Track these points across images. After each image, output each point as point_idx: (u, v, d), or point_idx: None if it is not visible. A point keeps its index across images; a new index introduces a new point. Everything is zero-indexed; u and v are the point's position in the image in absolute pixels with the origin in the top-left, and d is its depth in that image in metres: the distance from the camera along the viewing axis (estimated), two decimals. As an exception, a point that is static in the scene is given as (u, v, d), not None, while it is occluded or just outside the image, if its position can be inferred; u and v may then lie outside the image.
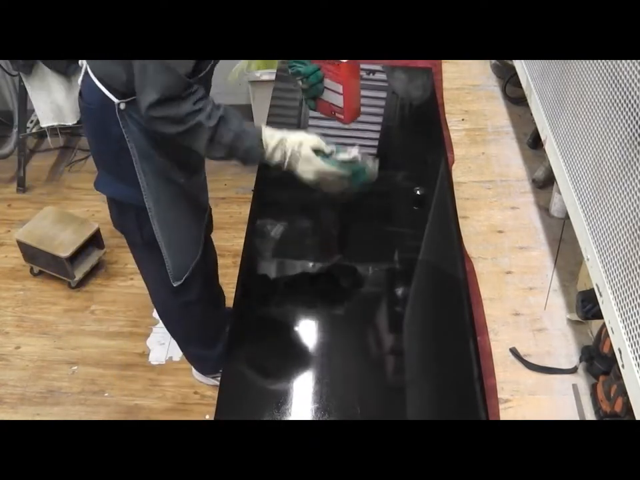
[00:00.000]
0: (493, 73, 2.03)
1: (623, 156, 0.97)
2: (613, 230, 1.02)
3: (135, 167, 1.41)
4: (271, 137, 1.27)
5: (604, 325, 1.13)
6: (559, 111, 1.22)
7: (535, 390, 1.18)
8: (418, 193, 1.50)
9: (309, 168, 1.27)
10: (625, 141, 0.96)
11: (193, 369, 2.11)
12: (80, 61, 1.44)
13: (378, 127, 1.86)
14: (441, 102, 1.90)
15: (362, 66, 1.61)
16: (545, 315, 1.31)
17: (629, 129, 0.95)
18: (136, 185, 1.44)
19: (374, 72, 2.02)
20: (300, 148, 1.26)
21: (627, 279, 0.97)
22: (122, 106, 1.33)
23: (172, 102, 1.21)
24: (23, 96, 2.77)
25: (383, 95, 1.94)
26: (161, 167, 1.45)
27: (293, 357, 1.22)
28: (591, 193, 1.09)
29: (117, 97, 1.32)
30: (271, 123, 1.81)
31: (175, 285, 1.65)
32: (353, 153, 1.28)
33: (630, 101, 0.94)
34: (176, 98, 1.21)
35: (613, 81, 0.99)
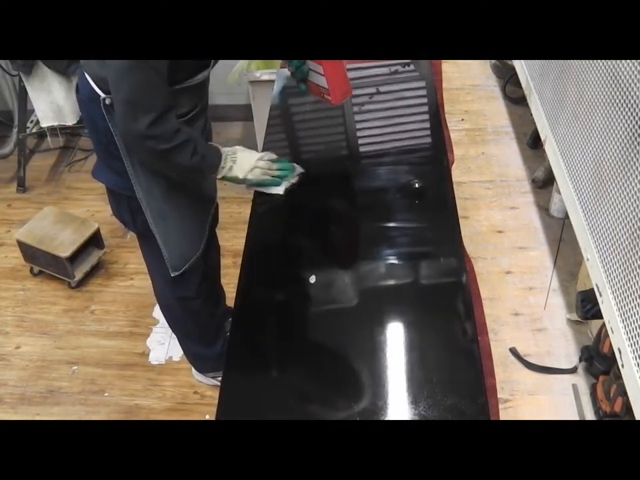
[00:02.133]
0: (493, 73, 2.03)
1: (622, 156, 0.97)
2: (613, 230, 1.02)
3: (123, 158, 1.44)
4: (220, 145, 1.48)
5: (604, 325, 1.13)
6: (558, 111, 1.22)
7: (535, 390, 1.18)
8: (416, 185, 1.49)
9: (245, 158, 1.49)
10: (625, 140, 0.96)
11: (193, 369, 2.11)
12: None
13: (378, 127, 1.85)
14: (440, 102, 1.90)
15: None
16: (545, 314, 1.31)
17: (628, 129, 0.95)
18: (127, 175, 1.47)
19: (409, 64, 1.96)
20: (236, 149, 1.50)
21: (626, 278, 0.97)
22: (107, 101, 1.36)
23: (164, 118, 1.29)
24: (22, 96, 2.77)
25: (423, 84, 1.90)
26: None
27: (294, 357, 1.22)
28: (590, 193, 1.09)
29: (103, 92, 1.36)
30: (270, 122, 1.81)
31: (173, 276, 1.65)
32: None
33: (630, 101, 0.94)
34: (168, 113, 1.30)
35: (613, 81, 0.99)
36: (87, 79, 1.40)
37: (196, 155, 1.38)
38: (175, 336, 2.25)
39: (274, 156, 1.53)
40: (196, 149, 1.38)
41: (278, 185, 1.51)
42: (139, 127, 1.27)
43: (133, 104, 1.27)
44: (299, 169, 1.54)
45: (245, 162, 1.48)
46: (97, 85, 1.37)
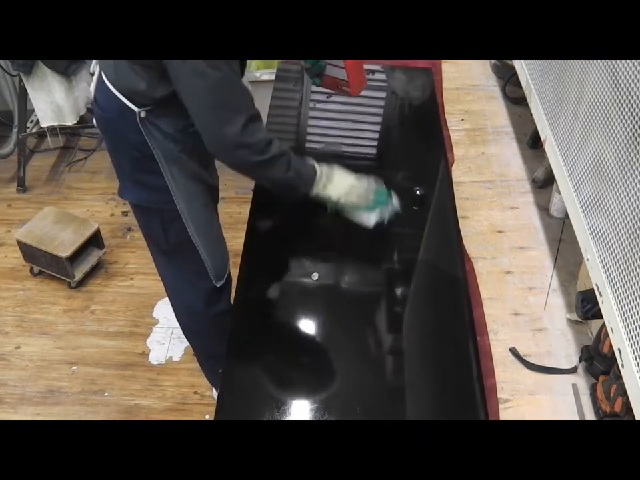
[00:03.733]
0: (493, 73, 2.03)
1: (622, 156, 0.97)
2: (613, 230, 1.02)
3: (163, 171, 1.40)
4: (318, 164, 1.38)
5: (604, 325, 1.13)
6: (558, 111, 1.22)
7: (535, 390, 1.18)
8: (418, 192, 1.49)
9: (343, 178, 1.39)
10: (625, 140, 0.96)
11: (214, 390, 2.07)
12: (92, 68, 1.44)
13: (377, 127, 1.86)
14: (440, 102, 1.90)
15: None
16: (545, 314, 1.31)
17: (628, 129, 0.95)
18: (159, 188, 1.42)
19: (374, 72, 2.02)
20: (334, 168, 1.40)
21: (626, 278, 0.97)
22: (142, 114, 1.32)
23: (255, 124, 1.23)
24: (22, 96, 2.76)
25: (383, 95, 1.94)
26: (191, 169, 1.44)
27: (293, 357, 1.22)
28: (590, 193, 1.09)
29: (137, 106, 1.32)
30: (270, 122, 1.81)
31: (217, 285, 1.60)
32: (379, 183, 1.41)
33: (630, 101, 0.94)
34: (257, 120, 1.24)
35: (613, 81, 0.99)
36: (113, 94, 1.34)
37: (290, 170, 1.31)
38: (174, 336, 2.25)
39: (373, 182, 1.41)
40: (290, 163, 1.31)
41: (370, 212, 1.39)
42: (229, 135, 1.21)
43: (219, 108, 1.20)
44: (396, 205, 1.42)
45: (342, 182, 1.38)
46: (130, 99, 1.32)
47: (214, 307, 1.67)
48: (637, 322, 0.92)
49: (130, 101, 1.33)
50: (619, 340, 0.97)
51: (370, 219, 1.39)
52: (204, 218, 1.51)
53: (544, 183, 1.60)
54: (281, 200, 1.43)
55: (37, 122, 2.82)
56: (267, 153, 1.26)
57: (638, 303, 0.92)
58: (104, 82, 1.36)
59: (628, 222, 0.95)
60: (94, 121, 1.51)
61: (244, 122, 1.20)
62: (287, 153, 1.31)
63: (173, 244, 1.55)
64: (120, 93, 1.33)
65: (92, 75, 1.43)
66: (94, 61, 1.46)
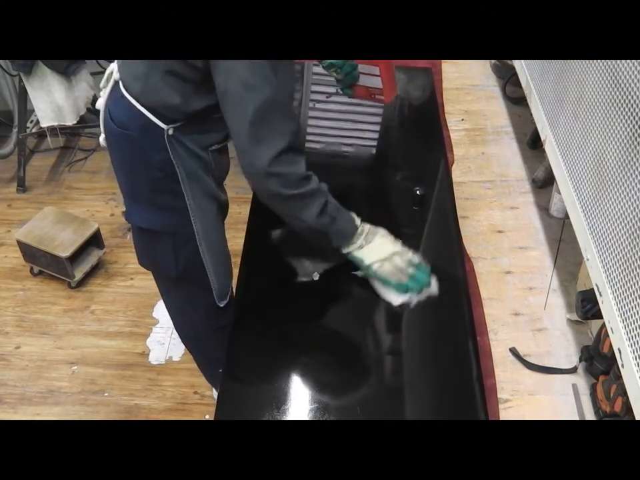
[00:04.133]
0: (493, 73, 2.03)
1: (622, 156, 0.97)
2: (613, 230, 1.02)
3: (184, 191, 1.34)
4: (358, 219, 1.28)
5: (604, 325, 1.13)
6: (558, 111, 1.22)
7: (535, 390, 1.18)
8: (418, 192, 1.49)
9: (384, 244, 1.28)
10: (625, 140, 0.96)
11: (214, 390, 2.07)
12: (103, 83, 1.37)
13: (377, 127, 1.86)
14: (440, 102, 1.90)
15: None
16: (545, 314, 1.31)
17: (628, 129, 0.95)
18: (176, 210, 1.37)
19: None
20: (378, 231, 1.29)
21: (626, 279, 0.97)
22: (170, 131, 1.27)
23: (294, 155, 1.16)
24: (22, 96, 2.76)
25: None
26: (207, 187, 1.39)
27: (293, 357, 1.22)
28: (591, 193, 1.09)
29: (164, 122, 1.27)
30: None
31: (221, 305, 1.54)
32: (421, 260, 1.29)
33: (630, 101, 0.94)
34: (297, 151, 1.16)
35: (613, 81, 0.99)
36: (136, 109, 1.27)
37: (325, 214, 1.21)
38: (174, 336, 2.25)
39: (416, 258, 1.29)
40: (326, 207, 1.21)
41: (402, 292, 1.26)
42: (264, 157, 1.13)
43: (260, 126, 1.12)
44: (435, 289, 1.28)
45: (381, 249, 1.27)
46: (158, 114, 1.26)
47: (216, 322, 1.62)
48: (637, 322, 0.92)
49: (157, 117, 1.26)
50: (619, 340, 0.97)
51: (398, 298, 1.27)
52: (215, 237, 1.47)
53: (544, 183, 1.60)
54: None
55: (37, 122, 2.82)
56: (300, 188, 1.17)
57: (638, 303, 0.92)
58: (123, 97, 1.29)
59: (628, 222, 0.95)
60: (101, 139, 1.43)
61: (282, 148, 1.13)
62: (325, 195, 1.22)
63: (182, 269, 1.48)
64: (145, 108, 1.26)
65: (102, 88, 1.36)
66: (107, 74, 1.36)
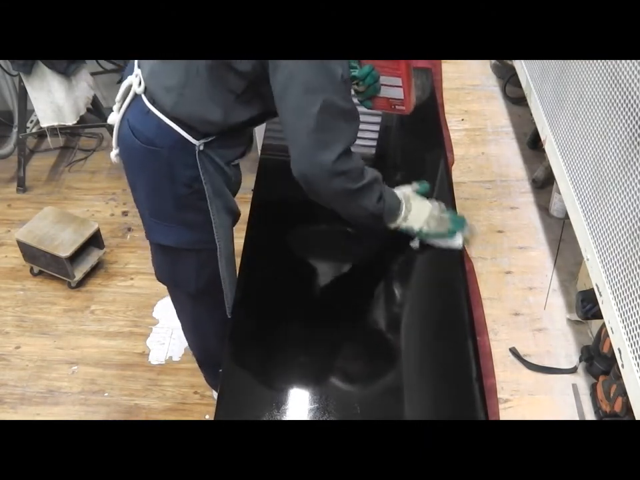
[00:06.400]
0: (493, 73, 2.03)
1: (622, 156, 0.97)
2: (613, 230, 1.02)
3: (210, 207, 1.34)
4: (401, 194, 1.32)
5: (604, 325, 1.13)
6: (558, 111, 1.22)
7: (535, 390, 1.18)
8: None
9: (421, 207, 1.33)
10: (625, 140, 0.96)
11: (214, 391, 2.07)
12: (119, 97, 1.33)
13: (377, 127, 1.85)
14: (440, 102, 1.90)
15: None
16: (545, 314, 1.31)
17: (628, 129, 0.95)
18: (200, 227, 1.37)
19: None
20: (409, 196, 1.33)
21: (626, 279, 0.97)
22: (201, 147, 1.26)
23: (350, 152, 1.16)
24: (22, 96, 2.76)
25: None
26: (228, 202, 1.40)
27: (293, 357, 1.22)
28: (591, 193, 1.09)
29: (196, 138, 1.25)
30: (271, 123, 1.81)
31: (230, 317, 1.52)
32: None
33: (630, 101, 0.94)
34: (352, 145, 1.17)
35: (613, 81, 0.99)
36: (165, 125, 1.24)
37: (382, 199, 1.24)
38: (174, 336, 2.25)
39: (443, 205, 1.38)
40: (382, 191, 1.24)
41: (453, 236, 1.35)
42: (326, 160, 1.12)
43: (322, 131, 1.11)
44: (471, 226, 1.39)
45: (421, 211, 1.32)
46: (190, 130, 1.24)
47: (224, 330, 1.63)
48: (637, 322, 0.92)
49: (188, 133, 1.24)
50: (619, 340, 0.97)
51: (455, 242, 1.36)
52: (230, 251, 1.47)
53: (544, 183, 1.60)
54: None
55: (37, 122, 2.82)
56: (363, 180, 1.19)
57: (638, 303, 0.92)
58: (150, 112, 1.25)
59: (628, 222, 0.95)
60: (112, 155, 1.40)
61: (341, 150, 1.13)
62: (379, 180, 1.25)
63: (203, 285, 1.48)
64: (176, 122, 1.24)
65: (117, 102, 1.32)
66: (124, 89, 1.31)
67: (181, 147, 1.25)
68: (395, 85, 1.40)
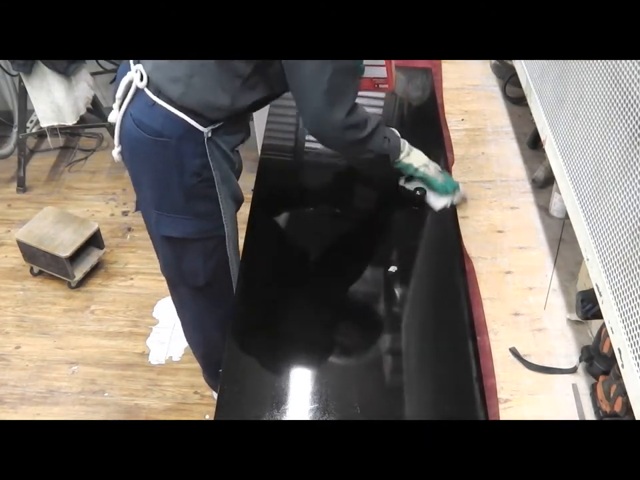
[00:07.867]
0: (493, 73, 2.03)
1: (623, 156, 0.97)
2: (613, 230, 1.02)
3: (218, 194, 1.36)
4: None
5: (604, 325, 1.13)
6: (558, 111, 1.22)
7: (535, 390, 1.18)
8: (418, 193, 1.49)
9: (420, 152, 1.50)
10: (625, 140, 0.96)
11: (214, 392, 2.07)
12: (120, 93, 1.32)
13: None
14: (440, 102, 1.90)
15: None
16: (545, 314, 1.31)
17: (628, 129, 0.95)
18: (207, 215, 1.38)
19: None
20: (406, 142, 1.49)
21: (627, 279, 0.97)
22: (209, 134, 1.27)
23: (356, 104, 1.28)
24: (22, 96, 2.77)
25: (382, 95, 1.94)
26: (234, 189, 1.42)
27: (293, 357, 1.22)
28: (591, 193, 1.09)
29: (203, 125, 1.27)
30: (270, 122, 1.81)
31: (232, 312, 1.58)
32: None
33: (630, 101, 0.94)
34: (356, 99, 1.29)
35: (613, 81, 0.99)
36: (173, 115, 1.25)
37: (385, 138, 1.39)
38: (174, 336, 2.25)
39: (439, 167, 1.52)
40: (385, 133, 1.40)
41: (444, 192, 1.48)
42: (338, 117, 1.25)
43: (334, 93, 1.22)
44: (462, 191, 1.53)
45: (421, 155, 1.49)
46: (198, 117, 1.25)
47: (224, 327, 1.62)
48: (637, 322, 0.92)
49: (196, 121, 1.26)
50: (619, 340, 0.97)
51: (440, 201, 1.48)
52: (237, 237, 1.49)
53: (544, 183, 1.60)
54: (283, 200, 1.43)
55: (37, 122, 2.82)
56: (369, 127, 1.33)
57: (638, 303, 0.92)
58: (155, 104, 1.26)
59: (628, 222, 0.95)
60: (114, 153, 1.39)
61: (350, 106, 1.26)
62: (382, 122, 1.38)
63: (209, 276, 1.49)
64: (184, 112, 1.25)
65: (117, 100, 1.32)
66: (124, 85, 1.30)
67: (189, 135, 1.27)
68: (377, 64, 1.45)
